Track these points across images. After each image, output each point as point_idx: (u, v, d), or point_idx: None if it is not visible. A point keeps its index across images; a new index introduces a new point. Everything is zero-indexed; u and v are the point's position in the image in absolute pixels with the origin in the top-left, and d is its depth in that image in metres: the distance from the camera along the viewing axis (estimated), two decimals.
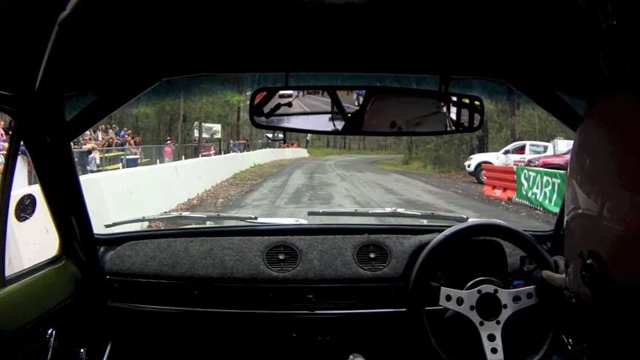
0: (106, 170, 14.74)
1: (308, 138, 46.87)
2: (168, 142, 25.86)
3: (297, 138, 46.45)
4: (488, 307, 1.62)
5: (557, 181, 10.49)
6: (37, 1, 1.03)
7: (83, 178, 2.21)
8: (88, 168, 14.12)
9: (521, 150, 18.93)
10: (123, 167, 16.35)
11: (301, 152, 44.61)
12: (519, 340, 1.66)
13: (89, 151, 15.05)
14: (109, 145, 18.96)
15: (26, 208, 2.47)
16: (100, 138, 18.55)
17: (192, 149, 28.43)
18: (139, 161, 18.29)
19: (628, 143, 0.63)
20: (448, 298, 1.63)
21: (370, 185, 17.37)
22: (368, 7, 1.13)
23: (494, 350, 1.58)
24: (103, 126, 19.83)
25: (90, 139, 16.50)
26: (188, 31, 1.30)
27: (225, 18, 1.22)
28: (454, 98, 1.56)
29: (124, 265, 1.88)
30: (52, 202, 1.63)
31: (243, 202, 12.58)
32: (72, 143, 1.67)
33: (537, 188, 11.45)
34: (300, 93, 1.51)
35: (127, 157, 18.57)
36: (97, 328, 1.81)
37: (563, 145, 16.95)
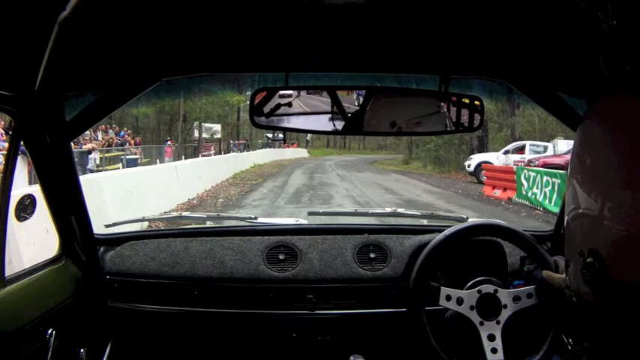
0: (106, 170, 14.74)
1: (308, 138, 46.89)
2: (168, 142, 25.86)
3: (297, 138, 46.46)
4: (488, 307, 1.62)
5: (557, 181, 10.49)
6: (37, 1, 1.02)
7: (83, 178, 2.21)
8: (88, 168, 14.12)
9: (521, 150, 18.94)
10: (123, 167, 16.35)
11: (301, 152, 44.61)
12: (519, 340, 1.66)
13: (89, 151, 15.05)
14: (109, 145, 18.96)
15: (26, 208, 2.47)
16: (100, 138, 18.55)
17: (192, 149, 28.43)
18: (139, 161, 18.29)
19: (628, 143, 0.63)
20: (448, 298, 1.63)
21: (370, 185, 17.37)
22: (368, 7, 1.13)
23: (494, 350, 1.58)
24: (103, 126, 19.83)
25: (90, 139, 16.50)
26: (188, 31, 1.30)
27: (225, 18, 1.22)
28: (454, 98, 1.56)
29: (124, 265, 1.88)
30: (52, 202, 1.63)
31: (243, 202, 12.58)
32: (72, 143, 1.67)
33: (537, 188, 11.46)
34: (300, 93, 1.51)
35: (127, 157, 18.57)
36: (97, 328, 1.81)
37: (563, 145, 16.96)
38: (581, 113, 1.59)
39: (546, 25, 1.17)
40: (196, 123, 30.59)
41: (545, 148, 18.68)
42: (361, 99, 1.50)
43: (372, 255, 1.91)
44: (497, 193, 13.81)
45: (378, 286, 1.86)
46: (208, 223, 2.29)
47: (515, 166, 13.96)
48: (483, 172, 16.62)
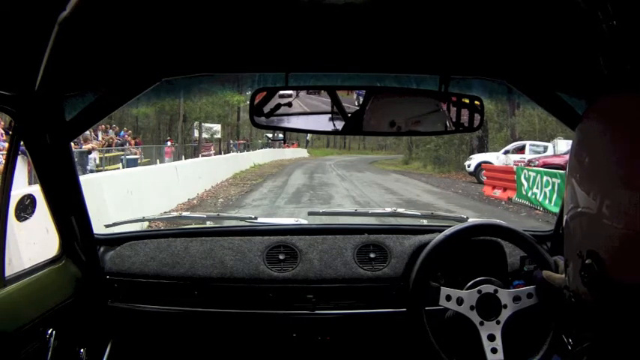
0: (106, 170, 14.74)
1: (308, 138, 46.89)
2: (168, 142, 25.86)
3: (297, 138, 46.46)
4: (488, 307, 1.62)
5: (557, 181, 10.49)
6: (37, 1, 1.02)
7: (83, 178, 2.21)
8: (88, 168, 14.12)
9: (521, 150, 18.94)
10: (123, 167, 16.34)
11: (301, 152, 44.61)
12: (519, 340, 1.66)
13: (89, 151, 15.05)
14: (109, 145, 18.96)
15: (26, 208, 2.47)
16: (100, 138, 18.55)
17: (192, 149, 28.43)
18: (139, 161, 18.29)
19: (627, 142, 0.63)
20: (448, 298, 1.63)
21: (370, 185, 17.37)
22: (368, 7, 1.13)
23: (494, 350, 1.58)
24: (103, 126, 19.82)
25: (90, 139, 16.50)
26: (188, 31, 1.30)
27: (225, 18, 1.22)
28: (454, 98, 1.56)
29: (124, 265, 1.88)
30: (52, 202, 1.63)
31: (243, 202, 12.58)
32: (72, 143, 1.67)
33: (537, 188, 11.46)
34: (300, 93, 1.51)
35: (127, 157, 18.56)
36: (97, 328, 1.81)
37: (563, 145, 16.96)
38: (580, 113, 1.59)
39: (546, 25, 1.17)
40: (196, 123, 30.59)
41: (545, 148, 18.68)
42: (361, 99, 1.50)
43: (372, 255, 1.91)
44: (497, 193, 13.81)
45: (378, 286, 1.86)
46: (208, 223, 2.29)
47: (515, 166, 13.96)
48: (483, 172, 16.63)
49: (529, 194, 11.86)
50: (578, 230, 0.69)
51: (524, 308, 1.63)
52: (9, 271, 1.41)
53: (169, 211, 9.64)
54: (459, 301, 1.63)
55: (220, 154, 28.53)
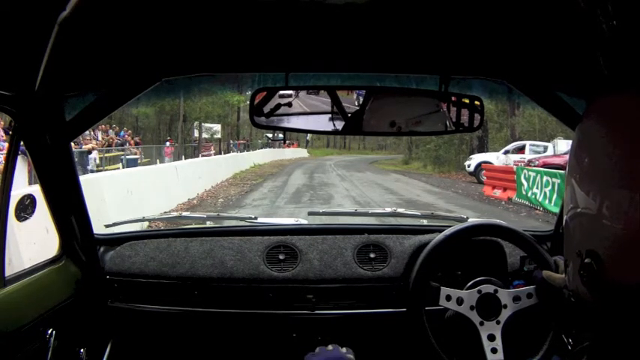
0: (106, 170, 14.74)
1: (308, 138, 46.91)
2: (168, 142, 25.86)
3: (297, 138, 46.48)
4: (488, 307, 1.62)
5: (557, 181, 10.49)
6: (37, 1, 1.02)
7: (83, 178, 2.21)
8: (88, 168, 14.13)
9: (521, 150, 18.95)
10: (123, 167, 16.36)
11: (301, 152, 44.63)
12: (519, 340, 1.66)
13: (89, 151, 15.06)
14: (109, 145, 18.96)
15: (26, 208, 2.47)
16: (100, 138, 18.56)
17: (192, 149, 28.44)
18: (139, 161, 18.30)
19: (626, 142, 0.63)
20: (448, 298, 1.63)
21: (370, 185, 17.37)
22: (368, 8, 1.13)
23: (494, 350, 1.58)
24: (103, 126, 19.84)
25: (90, 139, 16.50)
26: (188, 31, 1.29)
27: (225, 18, 1.21)
28: (454, 98, 1.56)
29: (124, 265, 1.88)
30: (52, 202, 1.63)
31: (243, 202, 12.59)
32: (72, 143, 1.67)
33: (537, 188, 11.46)
34: (300, 93, 1.51)
35: (127, 157, 18.58)
36: (97, 328, 1.81)
37: (563, 145, 16.96)
38: (580, 113, 1.59)
39: (546, 24, 1.17)
40: (196, 123, 30.60)
41: (545, 148, 18.69)
42: (361, 99, 1.50)
43: (372, 255, 1.91)
44: (497, 193, 13.81)
45: (378, 286, 1.86)
46: (208, 223, 2.29)
47: (515, 166, 13.97)
48: (483, 172, 16.64)
49: (529, 194, 11.86)
50: (578, 230, 0.69)
51: (524, 308, 1.63)
52: (9, 271, 1.41)
53: (169, 211, 9.65)
54: (459, 301, 1.63)
55: (220, 154, 28.54)
